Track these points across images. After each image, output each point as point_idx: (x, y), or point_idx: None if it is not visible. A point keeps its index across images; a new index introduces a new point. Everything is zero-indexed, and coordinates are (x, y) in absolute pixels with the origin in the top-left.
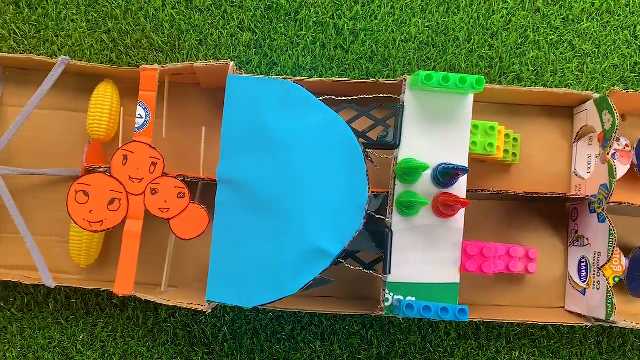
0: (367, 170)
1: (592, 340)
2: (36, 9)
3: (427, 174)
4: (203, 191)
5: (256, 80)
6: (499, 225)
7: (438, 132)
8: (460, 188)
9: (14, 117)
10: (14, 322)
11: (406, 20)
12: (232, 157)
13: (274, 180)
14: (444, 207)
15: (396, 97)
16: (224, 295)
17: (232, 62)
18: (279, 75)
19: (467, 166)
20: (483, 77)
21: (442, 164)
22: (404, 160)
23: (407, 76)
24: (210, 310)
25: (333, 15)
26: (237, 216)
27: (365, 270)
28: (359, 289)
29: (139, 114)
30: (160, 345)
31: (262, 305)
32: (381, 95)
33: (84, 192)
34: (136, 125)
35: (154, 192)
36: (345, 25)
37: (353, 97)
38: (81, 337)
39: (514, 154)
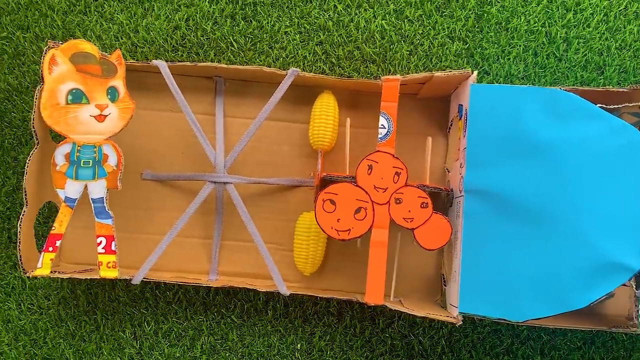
0: None
1: None
2: (251, 21)
3: None
4: None
5: (510, 89)
6: None
7: None
8: None
9: (233, 127)
10: (234, 329)
11: (620, 27)
12: (483, 167)
13: (543, 191)
14: None
15: None
16: (482, 308)
17: (475, 71)
18: (491, 83)
19: None
20: None
21: None
22: None
23: None
24: (461, 323)
25: (545, 23)
26: (493, 227)
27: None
28: None
29: (382, 124)
30: (379, 356)
31: (536, 320)
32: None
33: (331, 200)
34: (379, 136)
35: (398, 201)
36: (558, 33)
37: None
38: (299, 345)
39: None
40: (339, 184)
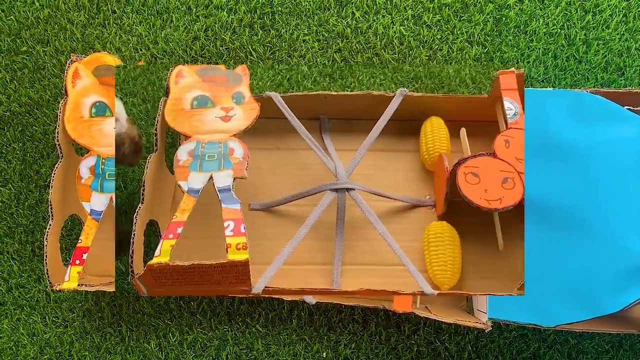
0: None
1: None
2: (269, 30)
3: None
4: None
5: (535, 92)
6: None
7: None
8: None
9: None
10: (260, 339)
11: None
12: None
13: (572, 194)
14: None
15: None
16: (512, 314)
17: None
18: None
19: None
20: None
21: None
22: None
23: None
24: (490, 328)
25: (563, 25)
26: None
27: None
28: None
29: (508, 107)
30: None
31: (568, 324)
32: None
33: (473, 173)
34: (508, 116)
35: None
36: (577, 35)
37: None
38: (325, 353)
39: None
40: (477, 158)
